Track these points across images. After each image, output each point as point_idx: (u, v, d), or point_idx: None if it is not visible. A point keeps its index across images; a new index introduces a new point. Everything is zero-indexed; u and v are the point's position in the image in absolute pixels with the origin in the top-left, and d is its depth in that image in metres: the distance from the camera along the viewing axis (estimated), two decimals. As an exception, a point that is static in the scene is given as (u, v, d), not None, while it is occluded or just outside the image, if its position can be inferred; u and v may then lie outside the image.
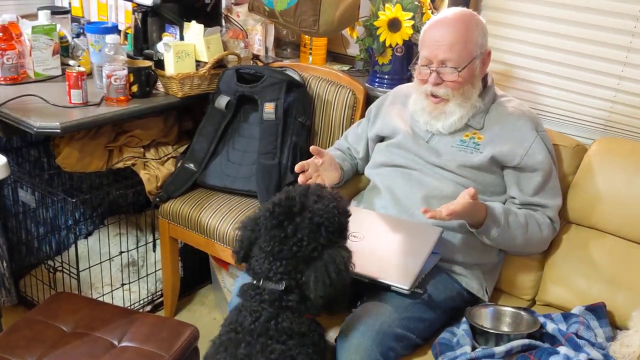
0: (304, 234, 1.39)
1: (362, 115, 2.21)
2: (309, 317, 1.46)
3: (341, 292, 1.41)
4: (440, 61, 1.76)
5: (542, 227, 1.80)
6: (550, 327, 1.61)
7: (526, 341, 1.54)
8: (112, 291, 2.53)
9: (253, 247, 1.47)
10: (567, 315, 1.72)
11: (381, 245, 1.65)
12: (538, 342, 1.55)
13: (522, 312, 1.70)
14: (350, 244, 1.53)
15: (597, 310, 1.71)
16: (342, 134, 2.27)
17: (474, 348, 1.58)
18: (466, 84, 1.78)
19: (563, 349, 1.49)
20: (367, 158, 2.07)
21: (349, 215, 1.50)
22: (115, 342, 1.76)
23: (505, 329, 1.70)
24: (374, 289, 1.66)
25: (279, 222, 1.41)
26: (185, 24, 2.34)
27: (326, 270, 1.38)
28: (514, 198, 1.83)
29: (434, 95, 1.80)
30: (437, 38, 1.77)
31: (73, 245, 2.55)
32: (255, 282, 1.45)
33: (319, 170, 1.85)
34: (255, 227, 1.47)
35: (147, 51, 2.43)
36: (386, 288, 1.63)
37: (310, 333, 1.44)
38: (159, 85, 2.38)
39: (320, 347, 1.47)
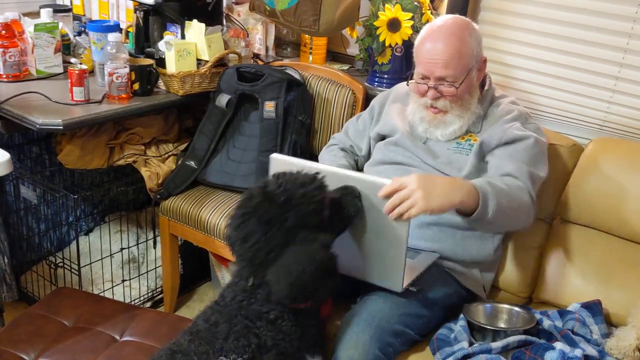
0: (259, 236, 1.39)
1: (362, 114, 2.22)
2: (296, 306, 1.46)
3: (310, 283, 1.38)
4: (438, 78, 1.76)
5: (519, 192, 1.68)
6: (546, 323, 1.63)
7: (522, 337, 1.56)
8: (112, 287, 2.54)
9: None
10: (563, 312, 1.74)
11: (359, 234, 1.59)
12: (534, 338, 1.57)
13: (519, 309, 1.72)
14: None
15: (593, 308, 1.73)
16: (341, 134, 2.28)
17: (471, 344, 1.59)
18: (464, 95, 1.79)
19: (559, 345, 1.51)
20: (369, 155, 2.06)
21: (317, 204, 1.42)
22: (117, 337, 1.78)
23: (502, 325, 1.72)
24: (371, 285, 1.67)
25: (237, 225, 1.43)
26: (187, 22, 2.36)
27: (288, 270, 1.37)
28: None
29: (433, 107, 1.81)
30: (432, 55, 1.75)
31: (74, 242, 2.58)
32: None
33: None
34: None
35: (148, 49, 2.45)
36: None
37: (280, 321, 1.44)
38: (160, 83, 2.39)
39: (292, 337, 1.46)
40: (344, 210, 1.50)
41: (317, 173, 1.47)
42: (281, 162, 1.66)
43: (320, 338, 1.58)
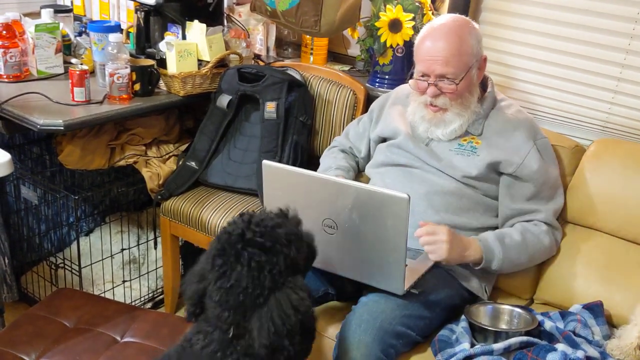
0: (247, 282, 1.31)
1: (363, 115, 2.22)
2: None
3: (294, 333, 1.30)
4: (438, 75, 1.77)
5: (540, 237, 1.81)
6: (548, 325, 1.63)
7: (524, 338, 1.56)
8: (113, 288, 2.54)
9: (204, 299, 1.40)
10: (564, 314, 1.73)
11: (358, 240, 1.58)
12: (536, 340, 1.57)
13: (521, 310, 1.72)
14: (326, 236, 1.53)
15: (595, 309, 1.73)
16: (342, 134, 2.28)
17: (472, 345, 1.59)
18: (464, 93, 1.80)
19: (561, 346, 1.51)
20: (368, 157, 2.08)
21: (301, 246, 1.37)
22: (118, 338, 1.77)
23: (503, 326, 1.71)
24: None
25: (222, 273, 1.34)
26: (188, 23, 2.36)
27: (271, 317, 1.29)
28: (503, 205, 1.85)
29: (432, 105, 1.82)
30: (432, 53, 1.77)
31: (75, 242, 2.57)
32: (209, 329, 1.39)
33: None
34: (202, 279, 1.41)
35: (149, 50, 2.45)
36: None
37: None
38: (161, 83, 2.39)
39: None
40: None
41: (287, 209, 1.41)
42: (274, 169, 1.66)
43: None
